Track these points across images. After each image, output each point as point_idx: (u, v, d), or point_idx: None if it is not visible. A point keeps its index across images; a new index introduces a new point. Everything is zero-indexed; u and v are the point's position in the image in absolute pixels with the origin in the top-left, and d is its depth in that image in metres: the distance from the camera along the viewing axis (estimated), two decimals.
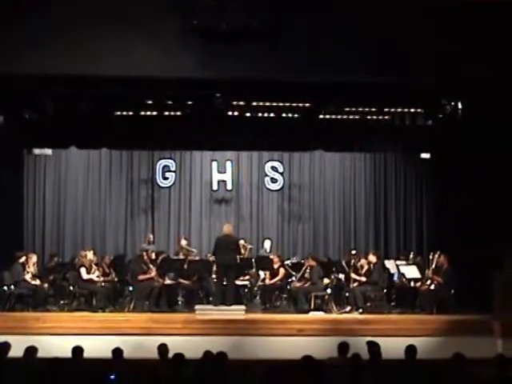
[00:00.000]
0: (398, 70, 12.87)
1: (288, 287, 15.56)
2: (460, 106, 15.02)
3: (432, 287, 14.80)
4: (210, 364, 7.95)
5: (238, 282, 15.48)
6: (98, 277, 15.20)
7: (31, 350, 8.42)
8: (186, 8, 12.35)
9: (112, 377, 7.24)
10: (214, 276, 15.50)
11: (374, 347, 8.48)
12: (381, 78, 13.08)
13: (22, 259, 15.15)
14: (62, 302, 15.34)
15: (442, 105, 15.31)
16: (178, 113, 16.40)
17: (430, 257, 15.34)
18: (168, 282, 15.48)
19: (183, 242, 17.21)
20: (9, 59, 12.61)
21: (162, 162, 18.70)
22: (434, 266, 15.05)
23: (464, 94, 14.64)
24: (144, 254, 15.60)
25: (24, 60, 12.58)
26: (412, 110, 16.28)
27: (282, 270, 15.56)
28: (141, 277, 15.13)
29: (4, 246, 15.72)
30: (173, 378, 7.40)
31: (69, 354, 8.54)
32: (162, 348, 8.75)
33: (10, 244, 16.21)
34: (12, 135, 16.66)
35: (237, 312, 14.06)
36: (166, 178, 18.67)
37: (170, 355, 8.32)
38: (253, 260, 16.12)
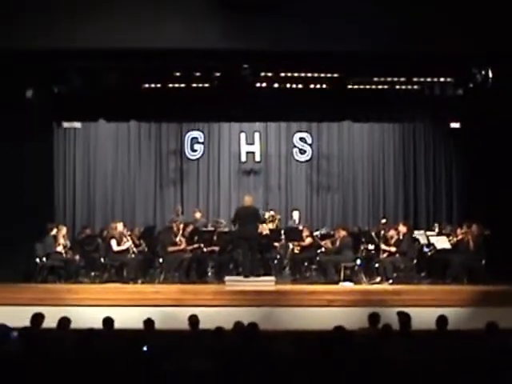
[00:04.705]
0: (427, 38, 12.77)
1: (317, 258, 15.57)
2: (490, 74, 14.84)
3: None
4: (241, 335, 7.99)
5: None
6: (128, 248, 15.30)
7: (64, 321, 8.52)
8: None
9: (145, 349, 7.29)
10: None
11: (404, 318, 8.49)
12: (410, 47, 12.99)
13: (54, 231, 15.29)
14: (93, 273, 15.48)
15: (472, 74, 15.16)
16: (206, 84, 16.36)
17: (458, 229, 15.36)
18: (197, 253, 15.52)
19: (197, 215, 17.29)
20: (38, 33, 12.69)
21: (191, 134, 18.68)
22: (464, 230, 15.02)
23: (494, 63, 14.48)
24: (174, 225, 15.67)
25: (52, 34, 12.65)
26: (442, 80, 16.12)
27: (309, 239, 15.57)
28: (170, 248, 15.20)
29: (36, 218, 15.86)
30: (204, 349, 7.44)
31: (100, 325, 8.63)
32: (193, 319, 8.82)
33: (42, 217, 16.37)
34: (41, 109, 16.73)
35: (266, 283, 14.11)
36: (194, 150, 18.64)
37: (201, 326, 8.39)
38: (282, 231, 16.14)
